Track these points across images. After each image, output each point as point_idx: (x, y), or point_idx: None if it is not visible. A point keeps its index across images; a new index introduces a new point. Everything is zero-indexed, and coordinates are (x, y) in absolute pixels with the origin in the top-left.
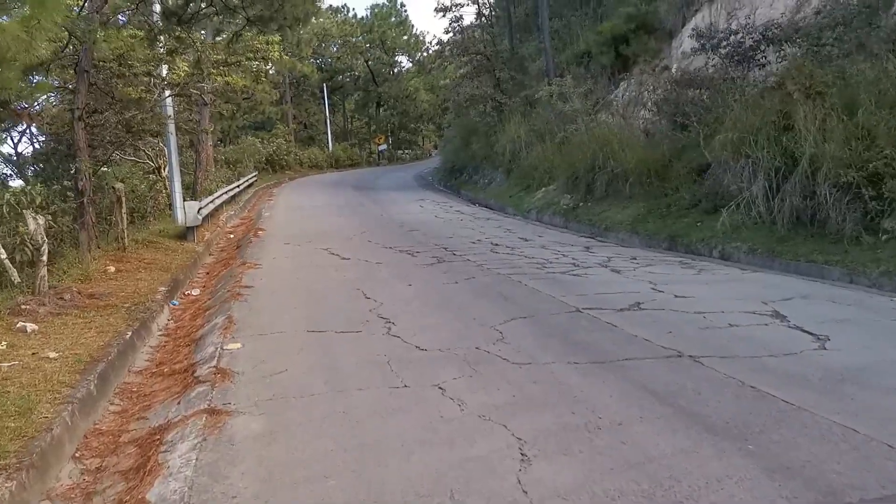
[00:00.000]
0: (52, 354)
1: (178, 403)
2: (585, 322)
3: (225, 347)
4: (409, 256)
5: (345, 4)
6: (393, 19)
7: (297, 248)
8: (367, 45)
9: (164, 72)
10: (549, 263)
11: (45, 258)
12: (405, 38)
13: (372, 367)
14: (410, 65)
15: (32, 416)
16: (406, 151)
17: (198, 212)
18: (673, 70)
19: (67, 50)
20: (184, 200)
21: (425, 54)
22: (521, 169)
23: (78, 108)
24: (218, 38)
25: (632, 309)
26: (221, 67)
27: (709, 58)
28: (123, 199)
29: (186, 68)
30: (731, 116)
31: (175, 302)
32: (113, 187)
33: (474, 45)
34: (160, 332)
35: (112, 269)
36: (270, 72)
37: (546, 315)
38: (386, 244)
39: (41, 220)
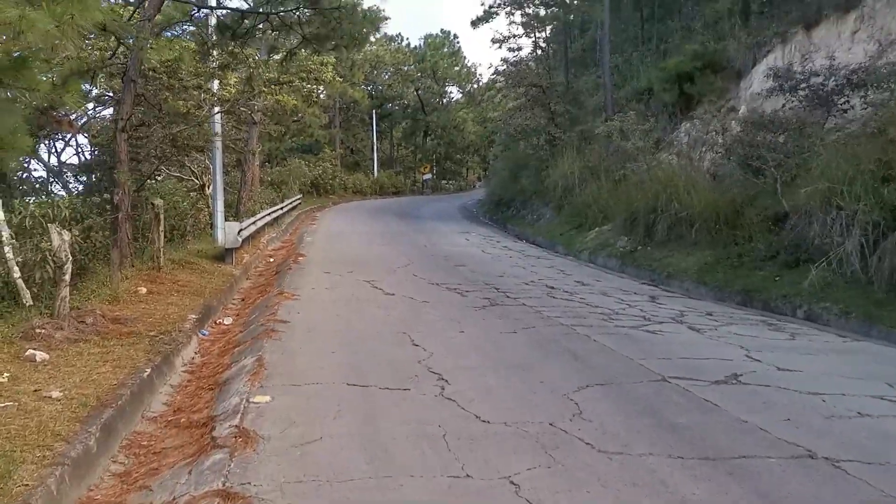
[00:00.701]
0: (56, 394)
1: (189, 474)
2: (677, 396)
3: (251, 400)
4: (459, 296)
5: (399, 33)
6: (445, 49)
7: (338, 278)
8: (419, 74)
9: (215, 87)
10: (615, 315)
11: (67, 277)
12: (456, 69)
13: (425, 442)
14: (460, 96)
15: (9, 484)
16: (450, 182)
17: (238, 233)
18: (741, 111)
19: (116, 59)
20: (225, 220)
21: (476, 86)
22: (573, 206)
23: (122, 119)
24: (272, 57)
25: (729, 382)
26: (273, 86)
27: (786, 99)
28: (162, 216)
29: (237, 85)
30: (819, 163)
31: (205, 332)
32: (152, 203)
33: (530, 77)
34: (184, 368)
35: (143, 290)
36: (321, 95)
37: (627, 383)
38: (432, 279)
39: (67, 236)
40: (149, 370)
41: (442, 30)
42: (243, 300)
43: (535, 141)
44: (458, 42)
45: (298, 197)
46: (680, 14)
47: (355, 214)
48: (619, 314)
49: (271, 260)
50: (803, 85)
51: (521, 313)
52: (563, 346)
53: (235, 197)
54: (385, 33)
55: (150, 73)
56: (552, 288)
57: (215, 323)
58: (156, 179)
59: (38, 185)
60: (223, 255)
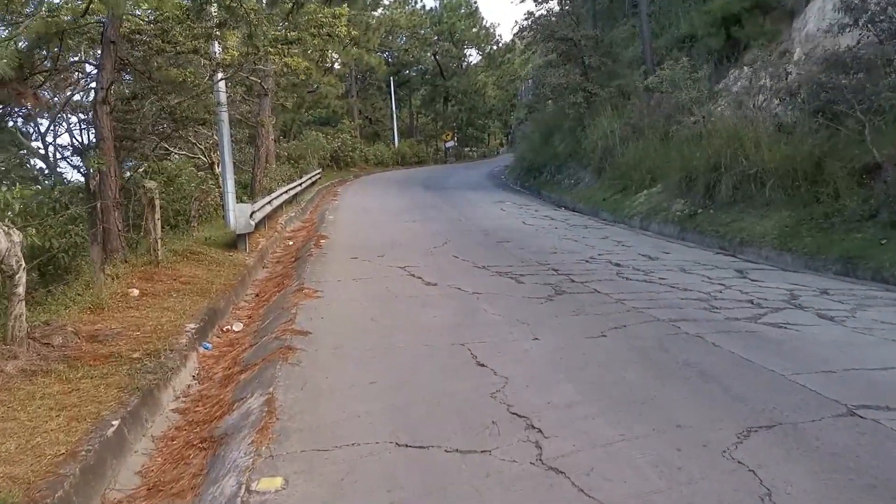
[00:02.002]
0: None
1: None
2: (892, 444)
3: (254, 488)
4: (514, 283)
5: None
6: (462, 10)
7: (367, 264)
8: (436, 38)
9: (217, 51)
10: (714, 301)
11: (20, 290)
12: (475, 30)
13: None
14: (479, 58)
15: None
16: (473, 149)
17: (250, 216)
18: (796, 54)
19: (91, 18)
20: (237, 201)
21: (495, 47)
22: (616, 168)
23: (102, 88)
24: (276, 9)
25: None
26: (280, 46)
27: (861, 35)
28: (157, 201)
29: (240, 47)
30: None
31: (207, 345)
32: (142, 186)
33: (561, 29)
34: (174, 406)
35: (136, 292)
36: (336, 64)
37: (803, 423)
38: (476, 262)
39: (17, 237)
40: (117, 422)
41: None
42: (258, 296)
43: (570, 99)
44: (475, 2)
45: (318, 171)
46: None
47: (379, 187)
48: (719, 299)
49: (290, 243)
50: (881, 17)
51: (599, 305)
52: (678, 359)
53: (250, 175)
54: None
55: (136, 35)
56: (619, 266)
57: (222, 330)
58: (161, 159)
59: (36, 173)
60: (235, 242)
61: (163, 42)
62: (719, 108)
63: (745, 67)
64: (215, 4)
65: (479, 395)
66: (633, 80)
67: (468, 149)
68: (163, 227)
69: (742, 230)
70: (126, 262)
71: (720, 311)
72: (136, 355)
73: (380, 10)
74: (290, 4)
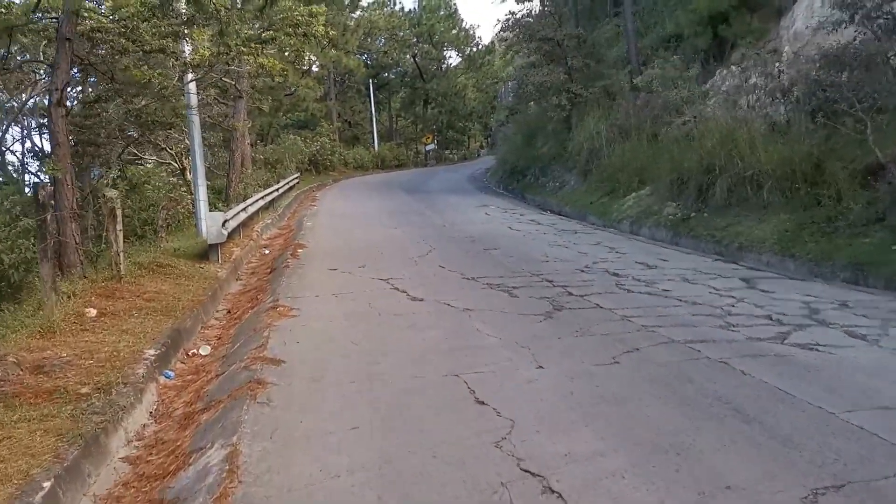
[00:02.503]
0: None
1: None
2: None
3: None
4: (507, 297)
5: None
6: (442, 12)
7: (347, 277)
8: (415, 39)
9: (187, 51)
10: (729, 316)
11: None
12: (454, 31)
13: None
14: (459, 60)
15: None
16: (453, 152)
17: (222, 225)
18: (785, 52)
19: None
20: (210, 209)
21: (475, 49)
22: (602, 170)
23: (56, 90)
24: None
25: None
26: (254, 45)
27: (857, 31)
28: (118, 211)
29: (212, 47)
30: None
31: (169, 374)
32: (103, 195)
33: (543, 29)
34: (124, 451)
35: (93, 311)
36: (314, 66)
37: (877, 481)
38: (464, 272)
39: None
40: (49, 483)
41: None
42: (229, 312)
43: (553, 101)
44: (454, 3)
45: (296, 176)
46: None
47: (359, 191)
48: (734, 314)
49: (266, 252)
50: (878, 13)
51: (605, 323)
52: (706, 392)
53: (225, 180)
54: None
55: (97, 33)
56: (617, 275)
57: (187, 354)
58: (130, 165)
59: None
60: (206, 252)
61: (127, 41)
62: (709, 108)
63: (733, 67)
64: (182, 0)
65: (482, 444)
66: (618, 80)
67: (448, 151)
68: (129, 238)
69: (739, 234)
70: (85, 277)
71: (738, 329)
72: (84, 390)
73: (358, 12)
74: (263, 0)
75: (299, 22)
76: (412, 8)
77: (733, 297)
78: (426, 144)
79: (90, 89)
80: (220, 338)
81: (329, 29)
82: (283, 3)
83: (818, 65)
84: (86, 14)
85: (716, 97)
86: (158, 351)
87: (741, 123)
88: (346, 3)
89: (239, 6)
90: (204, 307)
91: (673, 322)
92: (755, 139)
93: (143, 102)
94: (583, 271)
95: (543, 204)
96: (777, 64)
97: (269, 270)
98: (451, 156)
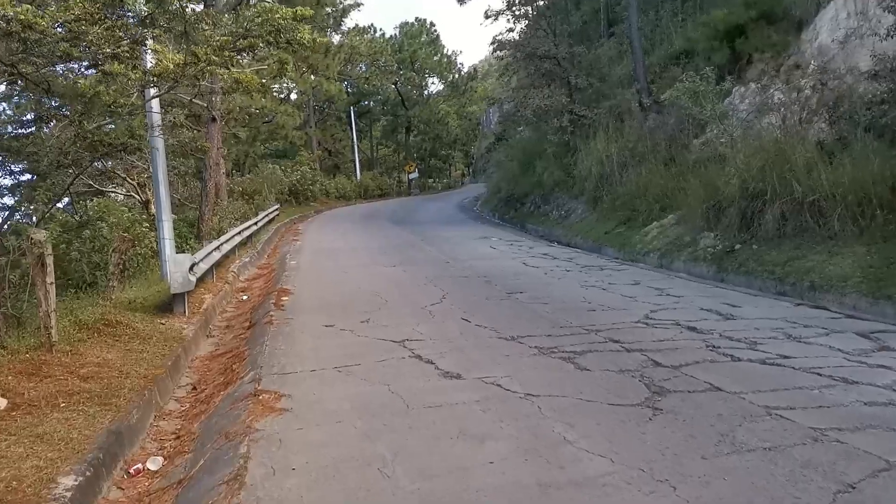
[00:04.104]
0: None
1: None
2: None
3: None
4: (574, 370)
5: (372, 24)
6: (423, 38)
7: (349, 337)
8: (396, 66)
9: (148, 61)
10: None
11: None
12: (436, 58)
13: None
14: (441, 87)
15: None
16: (437, 181)
17: (190, 270)
18: (811, 67)
19: None
20: (176, 249)
21: (458, 75)
22: (615, 197)
23: None
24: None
25: None
26: (227, 54)
27: None
28: (49, 260)
29: (176, 57)
30: None
31: None
32: (28, 238)
33: (544, 46)
34: None
35: (2, 403)
36: (293, 93)
37: None
38: (497, 327)
39: None
40: None
41: (417, 18)
42: (195, 388)
43: (554, 123)
44: (435, 30)
45: (275, 207)
46: None
47: (344, 223)
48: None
49: (244, 298)
50: None
51: (751, 422)
52: None
53: (197, 213)
54: (357, 24)
55: (26, 31)
56: (696, 331)
57: (129, 472)
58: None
59: None
60: (171, 303)
61: (71, 46)
62: (733, 127)
63: (752, 83)
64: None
65: None
66: (626, 99)
67: (432, 180)
68: (75, 289)
69: (809, 271)
70: (3, 347)
71: None
72: None
73: (338, 38)
74: None
75: (282, 27)
76: (393, 34)
77: (885, 365)
78: (409, 173)
79: (30, 108)
80: (178, 436)
81: (316, 38)
82: (262, 5)
83: (860, 78)
84: (16, 14)
85: (736, 115)
86: (80, 478)
87: (797, 142)
88: (330, 22)
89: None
90: (161, 384)
91: (853, 420)
92: (814, 160)
93: (96, 124)
94: (647, 325)
95: (548, 235)
96: (819, 78)
97: (247, 324)
98: (434, 184)
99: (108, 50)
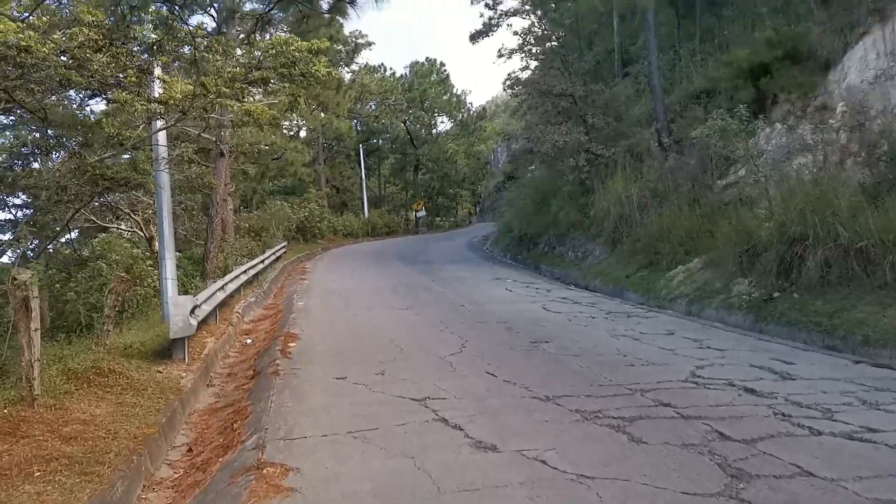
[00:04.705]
0: None
1: None
2: None
3: None
4: (628, 443)
5: (382, 63)
6: (433, 77)
7: (364, 393)
8: (406, 104)
9: (156, 90)
10: None
11: None
12: (446, 97)
13: None
14: (450, 126)
15: None
16: (444, 219)
17: (191, 313)
18: (839, 108)
19: None
20: (179, 289)
21: (467, 114)
22: (636, 240)
23: None
24: (229, 33)
25: None
26: (238, 86)
27: None
28: (34, 304)
29: (184, 87)
30: None
31: None
32: (12, 280)
33: (560, 84)
34: None
35: None
36: (302, 131)
37: None
38: (528, 384)
39: None
40: None
41: (427, 58)
42: (190, 450)
43: (570, 162)
44: (445, 70)
45: (283, 244)
46: (733, 2)
47: (352, 262)
48: None
49: (248, 341)
50: None
51: None
52: None
53: (203, 250)
54: (367, 63)
55: (21, 55)
56: (755, 393)
57: None
58: (88, 235)
59: None
60: (170, 348)
61: (68, 69)
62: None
63: (777, 124)
64: (148, 24)
65: None
66: (644, 139)
67: (439, 218)
68: (69, 333)
69: (861, 324)
70: None
71: None
72: None
73: (349, 76)
74: (255, 23)
75: (297, 59)
76: (404, 73)
77: None
78: (417, 211)
79: (28, 139)
80: None
81: (332, 72)
82: (277, 37)
83: None
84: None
85: (746, 161)
86: None
87: (838, 184)
88: (342, 57)
89: (218, 37)
90: (152, 446)
91: None
92: (859, 203)
93: (98, 157)
94: (698, 384)
95: (564, 277)
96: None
97: (251, 373)
98: (441, 223)
99: (111, 77)
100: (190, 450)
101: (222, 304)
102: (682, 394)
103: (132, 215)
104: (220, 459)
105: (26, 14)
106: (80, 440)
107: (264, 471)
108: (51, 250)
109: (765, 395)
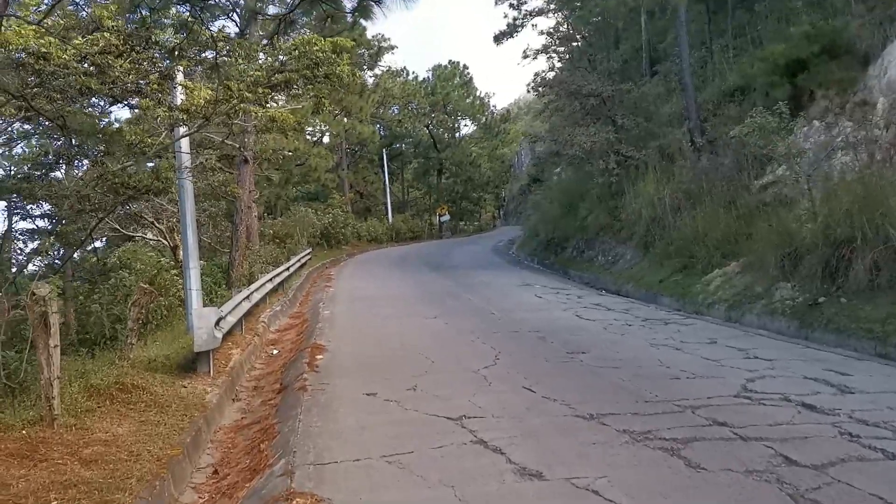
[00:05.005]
0: None
1: None
2: None
3: None
4: (687, 471)
5: (404, 67)
6: (457, 80)
7: (396, 412)
8: (429, 108)
9: (179, 97)
10: None
11: None
12: (468, 100)
13: None
14: (473, 129)
15: None
16: (468, 223)
17: (216, 325)
18: (879, 105)
19: None
20: (204, 299)
21: (490, 117)
22: (669, 243)
23: None
24: (253, 35)
25: None
26: (261, 90)
27: None
28: (53, 319)
29: (207, 92)
30: None
31: None
32: (31, 294)
33: (588, 84)
34: None
35: None
36: (325, 136)
37: None
38: (569, 401)
39: None
40: None
41: (450, 60)
42: (216, 473)
43: (600, 164)
44: (468, 72)
45: (308, 251)
46: None
47: (378, 268)
48: None
49: (275, 352)
50: None
51: None
52: None
53: (228, 258)
54: (389, 67)
55: (39, 62)
56: (815, 410)
57: None
58: (119, 243)
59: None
60: (195, 361)
61: (87, 76)
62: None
63: (815, 121)
64: (169, 28)
65: None
66: (675, 139)
67: (463, 223)
68: (92, 346)
69: None
70: None
71: None
72: None
73: (372, 80)
74: (278, 23)
75: (320, 60)
76: (426, 76)
77: None
78: (441, 215)
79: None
80: None
81: (356, 71)
82: (300, 37)
83: None
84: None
85: (784, 160)
86: None
87: (887, 184)
88: (365, 60)
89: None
90: (176, 468)
91: None
92: None
93: (120, 165)
94: (751, 400)
95: (594, 282)
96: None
97: (277, 386)
98: (465, 227)
99: (132, 84)
100: (216, 472)
101: (248, 314)
102: (736, 411)
103: (156, 224)
104: (247, 485)
105: (43, 18)
106: (100, 463)
107: (294, 502)
108: (76, 259)
109: (826, 411)
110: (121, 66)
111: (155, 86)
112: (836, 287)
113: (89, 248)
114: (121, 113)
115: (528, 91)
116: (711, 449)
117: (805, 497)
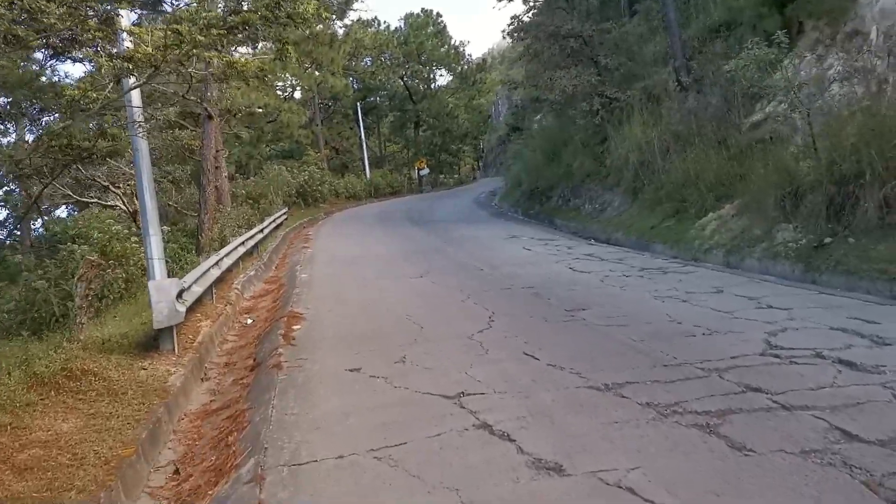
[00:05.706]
0: None
1: None
2: None
3: None
4: (728, 450)
5: (375, 17)
6: (430, 29)
7: (384, 390)
8: (402, 58)
9: (124, 42)
10: None
11: None
12: (443, 49)
13: None
14: (450, 79)
15: None
16: (448, 176)
17: (178, 298)
18: (872, 35)
19: None
20: (165, 269)
21: (465, 66)
22: (659, 187)
23: None
24: None
25: None
26: (217, 33)
27: None
28: None
29: (155, 37)
30: None
31: None
32: None
33: (567, 25)
34: None
35: None
36: (297, 91)
37: None
38: (580, 369)
39: None
40: None
41: (423, 9)
42: (177, 473)
43: (583, 107)
44: (441, 21)
45: (283, 211)
46: None
47: (357, 226)
48: None
49: (249, 321)
50: None
51: None
52: None
53: (196, 222)
54: (360, 17)
55: None
56: (853, 366)
57: None
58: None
59: None
60: (156, 338)
61: (13, 22)
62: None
63: (807, 54)
64: None
65: None
66: (661, 79)
67: (442, 176)
68: (45, 325)
69: None
70: None
71: None
72: None
73: (342, 30)
74: None
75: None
76: (398, 26)
77: None
78: (420, 169)
79: None
80: None
81: (321, 10)
82: None
83: None
84: None
85: (772, 94)
86: None
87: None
88: (334, 8)
89: None
90: (129, 473)
91: None
92: None
93: (62, 124)
94: (781, 359)
95: (582, 231)
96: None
97: (251, 362)
98: (446, 180)
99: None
100: (177, 471)
101: (219, 281)
102: (768, 372)
103: (112, 188)
104: (211, 491)
105: None
106: (36, 471)
107: None
108: (41, 231)
109: (869, 369)
110: (55, 11)
111: (97, 33)
112: (843, 227)
113: (52, 216)
114: (75, 70)
115: (504, 38)
116: (754, 423)
117: (886, 487)
